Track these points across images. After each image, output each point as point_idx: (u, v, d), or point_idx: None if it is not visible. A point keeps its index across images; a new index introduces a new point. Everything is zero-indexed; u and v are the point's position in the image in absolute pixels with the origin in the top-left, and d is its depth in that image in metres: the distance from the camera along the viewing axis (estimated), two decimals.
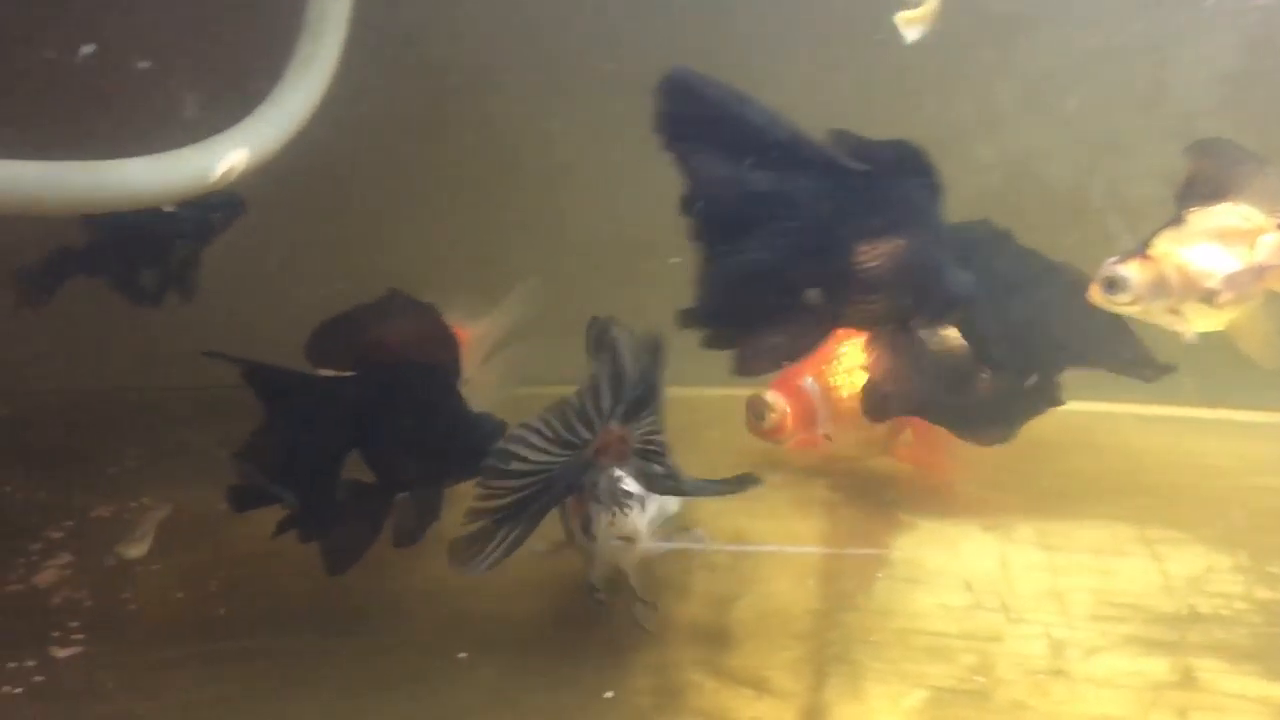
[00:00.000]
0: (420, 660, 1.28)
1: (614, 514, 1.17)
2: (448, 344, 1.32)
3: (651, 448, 1.23)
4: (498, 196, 1.90)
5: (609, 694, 1.21)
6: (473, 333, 1.51)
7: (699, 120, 1.24)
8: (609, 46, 1.83)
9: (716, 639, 1.29)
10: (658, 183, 1.23)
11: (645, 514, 1.20)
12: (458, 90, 1.86)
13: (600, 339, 1.27)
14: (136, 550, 1.49)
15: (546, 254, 1.87)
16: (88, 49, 1.64)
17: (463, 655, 1.27)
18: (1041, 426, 1.56)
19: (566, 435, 1.18)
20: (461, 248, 1.86)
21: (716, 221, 1.25)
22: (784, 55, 1.80)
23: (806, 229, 1.25)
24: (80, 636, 1.32)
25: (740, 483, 1.26)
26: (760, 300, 1.27)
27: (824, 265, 1.25)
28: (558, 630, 1.34)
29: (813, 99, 1.39)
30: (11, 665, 1.27)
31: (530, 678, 1.25)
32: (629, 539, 1.19)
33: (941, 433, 1.57)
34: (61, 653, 1.30)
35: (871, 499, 1.63)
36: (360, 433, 1.33)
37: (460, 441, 1.32)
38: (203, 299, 1.73)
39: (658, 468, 1.23)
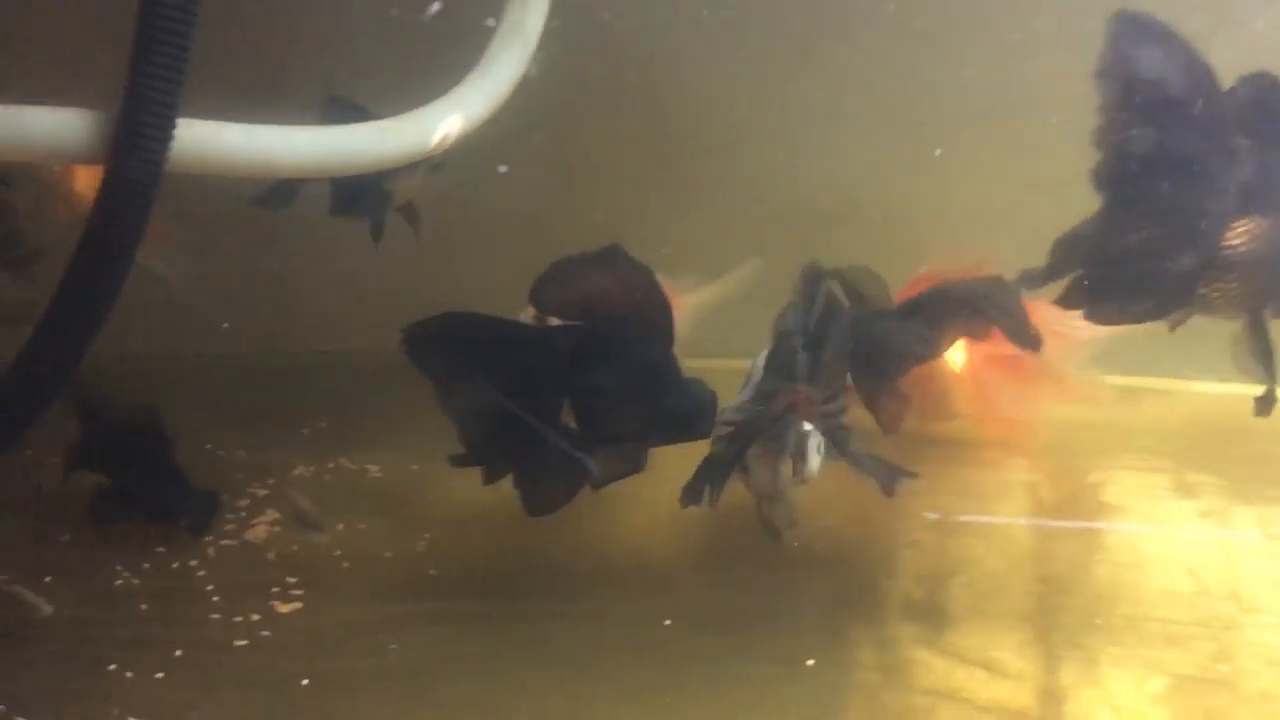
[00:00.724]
0: (632, 629, 1.28)
1: (800, 462, 1.21)
2: (663, 307, 1.31)
3: (834, 407, 1.26)
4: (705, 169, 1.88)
5: (810, 662, 1.20)
6: (683, 300, 1.50)
7: (1146, 68, 1.22)
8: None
9: (935, 617, 1.27)
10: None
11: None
12: (659, 58, 1.84)
13: (809, 294, 1.32)
14: (319, 536, 1.50)
15: (747, 223, 1.85)
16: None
17: (667, 623, 1.27)
18: (1227, 410, 1.51)
19: (763, 386, 1.27)
20: (671, 218, 1.85)
21: (1133, 170, 1.22)
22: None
23: (1195, 194, 1.21)
24: (299, 593, 1.34)
25: (896, 473, 1.27)
26: (1139, 255, 1.25)
27: (1197, 237, 1.21)
28: (766, 602, 1.32)
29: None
30: (238, 620, 1.30)
31: (740, 649, 1.24)
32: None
33: (996, 386, 1.57)
34: (284, 608, 1.32)
35: (1074, 478, 1.59)
36: (575, 382, 1.33)
37: (671, 404, 1.32)
38: (393, 265, 1.73)
39: (839, 430, 1.25)
